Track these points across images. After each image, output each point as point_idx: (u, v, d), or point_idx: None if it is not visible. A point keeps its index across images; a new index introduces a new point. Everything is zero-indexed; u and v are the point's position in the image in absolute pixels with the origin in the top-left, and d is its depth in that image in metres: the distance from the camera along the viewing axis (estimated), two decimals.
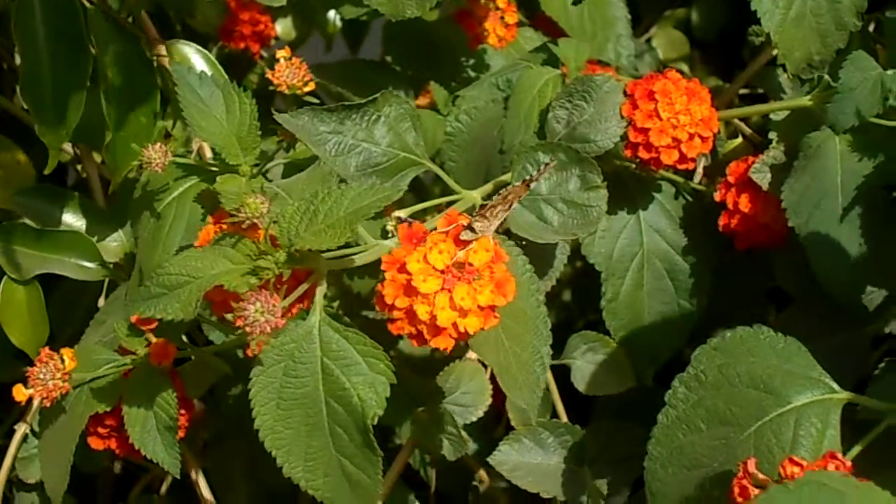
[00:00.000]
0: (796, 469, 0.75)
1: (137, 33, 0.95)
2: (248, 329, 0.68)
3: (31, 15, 0.88)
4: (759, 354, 0.86)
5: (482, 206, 0.75)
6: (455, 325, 0.71)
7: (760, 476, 0.76)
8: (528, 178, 0.80)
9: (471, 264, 0.72)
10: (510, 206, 0.77)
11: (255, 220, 0.74)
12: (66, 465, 0.88)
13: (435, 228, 0.74)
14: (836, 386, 0.85)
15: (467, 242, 0.72)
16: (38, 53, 0.89)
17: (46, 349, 0.82)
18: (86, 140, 1.04)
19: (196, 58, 1.00)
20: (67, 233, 1.03)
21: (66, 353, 0.82)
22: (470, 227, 0.73)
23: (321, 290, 0.76)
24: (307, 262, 0.75)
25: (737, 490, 0.77)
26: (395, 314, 0.72)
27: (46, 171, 0.95)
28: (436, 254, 0.71)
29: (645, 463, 0.87)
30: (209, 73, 0.90)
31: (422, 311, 0.71)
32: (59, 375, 0.80)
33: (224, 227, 0.77)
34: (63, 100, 0.90)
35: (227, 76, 0.92)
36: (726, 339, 0.87)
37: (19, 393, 0.81)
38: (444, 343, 0.72)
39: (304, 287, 0.75)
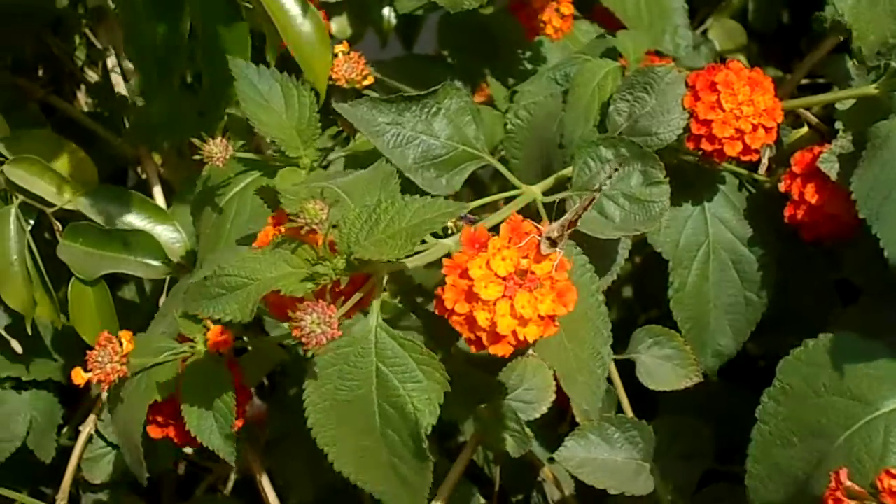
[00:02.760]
0: (894, 482, 0.72)
1: None
2: (304, 340, 0.68)
3: None
4: (843, 360, 0.84)
5: (559, 221, 0.73)
6: (514, 333, 0.70)
7: (856, 488, 0.73)
8: (598, 186, 0.80)
9: (533, 273, 0.70)
10: (582, 215, 0.76)
11: (314, 227, 0.74)
12: (139, 450, 0.88)
13: (497, 227, 0.73)
14: None
15: (530, 249, 0.71)
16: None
17: (105, 332, 0.82)
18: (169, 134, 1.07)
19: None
20: (133, 231, 1.04)
21: (125, 335, 0.82)
22: (550, 240, 0.71)
23: (378, 295, 0.75)
24: (366, 268, 0.75)
25: (830, 503, 0.74)
26: (455, 319, 0.71)
27: (150, 94, 0.99)
28: (499, 260, 0.70)
29: (746, 482, 0.86)
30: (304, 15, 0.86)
31: (482, 318, 0.69)
32: (117, 358, 0.80)
33: (283, 230, 0.77)
34: (164, 47, 0.92)
35: (320, 18, 0.88)
36: (810, 348, 0.85)
37: (78, 376, 0.80)
38: (503, 350, 0.70)
39: (359, 295, 0.75)
